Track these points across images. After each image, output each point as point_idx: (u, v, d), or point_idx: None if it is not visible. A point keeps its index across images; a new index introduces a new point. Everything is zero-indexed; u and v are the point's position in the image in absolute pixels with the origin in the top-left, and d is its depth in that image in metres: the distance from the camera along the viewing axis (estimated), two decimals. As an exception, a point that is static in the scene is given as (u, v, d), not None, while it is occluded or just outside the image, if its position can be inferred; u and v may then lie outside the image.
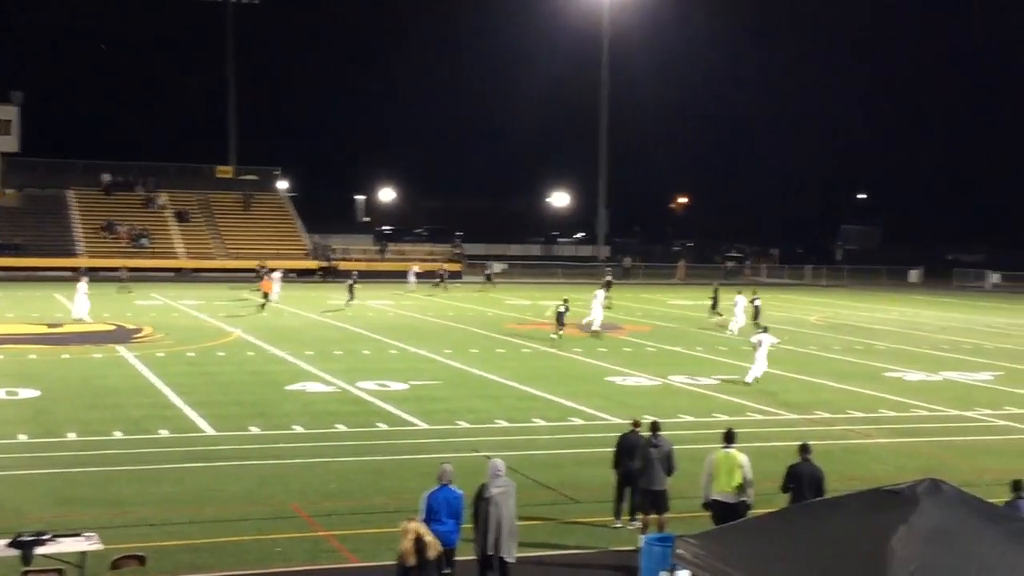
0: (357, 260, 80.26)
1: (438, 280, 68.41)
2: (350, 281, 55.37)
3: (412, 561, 11.88)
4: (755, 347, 32.21)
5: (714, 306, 51.67)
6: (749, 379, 31.77)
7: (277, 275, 57.95)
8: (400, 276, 70.86)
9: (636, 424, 17.84)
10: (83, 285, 46.46)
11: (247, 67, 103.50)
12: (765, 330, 33.75)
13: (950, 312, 58.34)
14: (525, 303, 59.70)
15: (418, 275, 69.40)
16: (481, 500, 13.78)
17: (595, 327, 43.89)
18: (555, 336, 41.06)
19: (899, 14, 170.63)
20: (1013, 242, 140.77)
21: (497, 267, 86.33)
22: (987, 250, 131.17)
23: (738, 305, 46.27)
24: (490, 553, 13.73)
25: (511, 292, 67.50)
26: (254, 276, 62.30)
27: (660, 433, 17.12)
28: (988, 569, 9.08)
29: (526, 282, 77.80)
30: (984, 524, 9.57)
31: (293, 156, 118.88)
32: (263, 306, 51.79)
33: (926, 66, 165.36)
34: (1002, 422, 27.07)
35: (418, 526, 12.16)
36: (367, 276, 74.82)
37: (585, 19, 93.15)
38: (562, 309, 42.04)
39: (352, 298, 53.72)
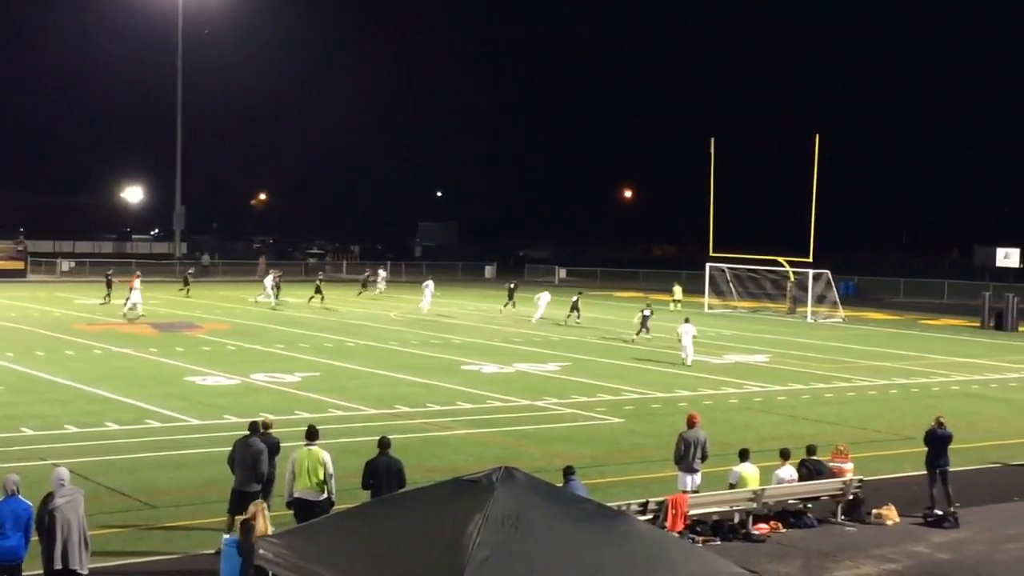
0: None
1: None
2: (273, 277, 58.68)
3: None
4: (680, 337, 37.69)
5: (573, 308, 52.20)
6: (689, 361, 37.13)
7: None
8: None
9: (266, 426, 17.41)
10: None
11: None
12: (687, 320, 38.93)
13: (520, 306, 61.05)
14: (96, 302, 56.95)
15: None
16: (45, 511, 12.98)
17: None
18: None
19: (477, 24, 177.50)
20: (576, 240, 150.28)
21: (65, 265, 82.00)
22: (553, 247, 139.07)
23: (541, 299, 52.47)
24: (58, 567, 12.97)
25: (81, 291, 64.26)
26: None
27: (255, 435, 16.75)
28: (556, 549, 9.55)
29: (97, 280, 74.22)
30: (552, 506, 10.09)
31: None
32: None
33: (499, 72, 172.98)
34: (569, 410, 28.65)
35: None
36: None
37: (158, 7, 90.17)
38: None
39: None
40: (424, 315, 53.53)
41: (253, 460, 16.37)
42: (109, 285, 55.40)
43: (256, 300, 58.22)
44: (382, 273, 69.97)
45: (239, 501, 16.21)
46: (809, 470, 19.03)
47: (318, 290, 58.67)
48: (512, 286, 58.05)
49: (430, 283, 58.48)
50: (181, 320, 48.56)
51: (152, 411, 26.53)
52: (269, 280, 58.73)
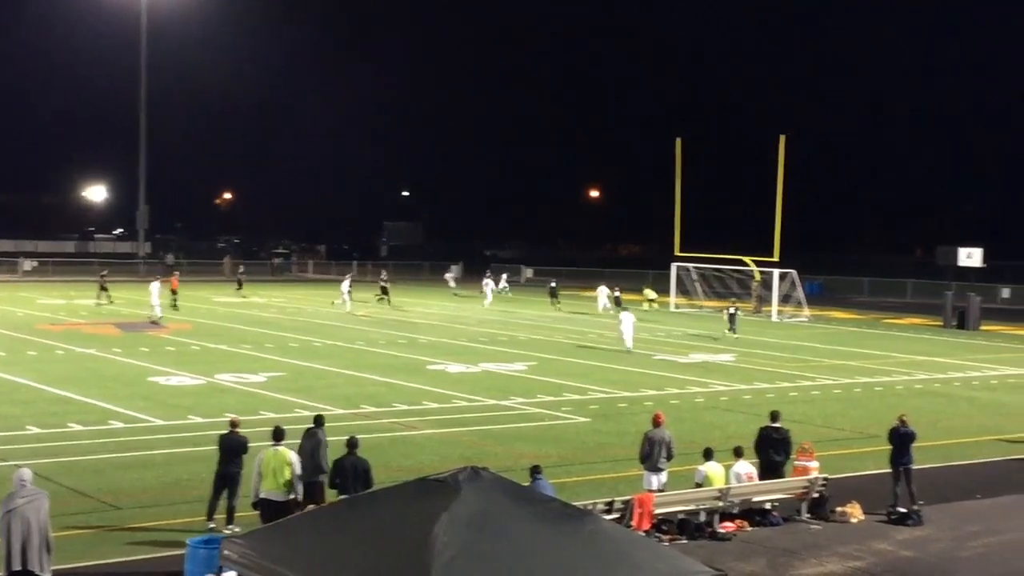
0: None
1: None
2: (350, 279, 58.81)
3: None
4: (620, 323, 40.95)
5: (383, 294, 56.47)
6: (628, 345, 40.08)
7: None
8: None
9: (234, 424, 17.43)
10: None
11: None
12: (624, 309, 44.19)
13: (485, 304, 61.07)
14: (59, 302, 56.53)
15: None
16: (5, 513, 12.85)
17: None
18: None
19: (442, 24, 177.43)
20: (543, 239, 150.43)
21: (28, 265, 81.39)
22: (520, 247, 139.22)
23: (601, 293, 57.94)
24: (17, 568, 12.85)
25: (43, 291, 63.75)
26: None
27: (320, 427, 17.17)
28: (522, 548, 9.56)
29: (60, 280, 73.65)
30: (518, 506, 10.09)
31: None
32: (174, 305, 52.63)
33: (465, 72, 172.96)
34: (535, 409, 28.66)
35: None
36: None
37: (122, 5, 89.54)
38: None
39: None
40: (486, 310, 57.51)
41: (312, 450, 16.68)
42: (103, 288, 54.80)
43: (334, 303, 56.38)
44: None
45: (308, 491, 16.22)
46: (762, 437, 19.59)
47: (384, 291, 58.80)
48: (553, 285, 58.99)
49: (489, 281, 61.88)
50: (145, 320, 48.21)
51: (116, 412, 26.34)
52: (346, 284, 56.01)
